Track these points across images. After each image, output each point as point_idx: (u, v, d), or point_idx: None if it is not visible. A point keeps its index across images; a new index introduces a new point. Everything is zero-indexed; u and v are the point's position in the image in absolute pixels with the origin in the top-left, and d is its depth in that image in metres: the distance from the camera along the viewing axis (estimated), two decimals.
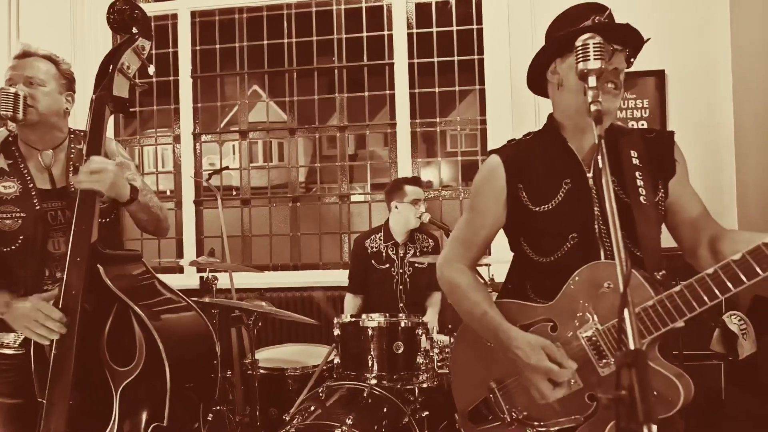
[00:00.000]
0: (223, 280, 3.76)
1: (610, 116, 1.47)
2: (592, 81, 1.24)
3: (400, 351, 2.47)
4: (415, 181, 3.42)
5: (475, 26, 4.20)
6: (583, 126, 1.51)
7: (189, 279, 4.15)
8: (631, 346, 0.86)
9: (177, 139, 4.46)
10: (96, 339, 1.67)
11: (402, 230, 3.35)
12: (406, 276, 3.31)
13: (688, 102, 3.87)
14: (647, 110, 3.92)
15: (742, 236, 1.37)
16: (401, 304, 3.31)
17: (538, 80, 1.61)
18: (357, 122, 4.39)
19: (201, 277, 3.42)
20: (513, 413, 1.51)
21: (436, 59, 4.25)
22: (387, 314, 2.56)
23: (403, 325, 2.52)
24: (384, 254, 3.35)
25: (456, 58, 4.24)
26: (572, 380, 1.39)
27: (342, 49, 4.37)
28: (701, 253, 1.44)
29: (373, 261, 3.34)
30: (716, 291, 1.22)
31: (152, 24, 4.37)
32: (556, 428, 1.45)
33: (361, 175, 4.63)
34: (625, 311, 0.89)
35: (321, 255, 4.37)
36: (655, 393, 1.30)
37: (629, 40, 1.48)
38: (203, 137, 4.49)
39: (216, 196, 3.83)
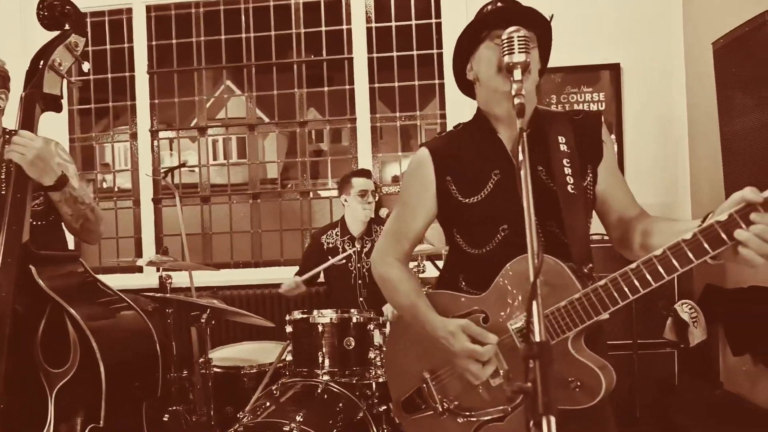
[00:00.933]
0: (183, 279, 3.73)
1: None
2: (517, 74, 1.25)
3: (351, 346, 2.47)
4: (361, 173, 3.40)
5: (434, 20, 4.20)
6: (503, 117, 1.50)
7: (148, 278, 4.09)
8: (537, 339, 0.86)
9: (134, 136, 4.38)
10: (29, 341, 1.64)
11: (356, 224, 3.34)
12: (364, 270, 3.30)
13: (643, 95, 3.94)
14: (603, 103, 3.97)
15: (672, 228, 1.35)
16: (361, 299, 3.31)
17: (464, 81, 1.60)
18: (317, 118, 4.36)
19: (159, 277, 3.37)
20: (445, 403, 1.52)
21: (395, 53, 4.24)
22: (339, 310, 2.55)
23: (354, 320, 2.52)
24: (341, 249, 3.33)
25: (415, 53, 4.23)
26: (501, 369, 1.41)
27: (301, 43, 4.34)
28: (630, 243, 1.45)
29: (329, 256, 3.32)
30: (638, 285, 1.23)
31: (106, 19, 4.29)
32: (486, 418, 1.46)
33: (333, 171, 4.59)
34: (533, 304, 0.89)
35: (282, 252, 4.34)
36: (577, 383, 1.32)
37: (531, 23, 1.42)
38: (161, 134, 4.41)
39: (174, 194, 3.78)
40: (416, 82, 4.25)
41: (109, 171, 4.65)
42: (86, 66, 1.79)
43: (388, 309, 3.06)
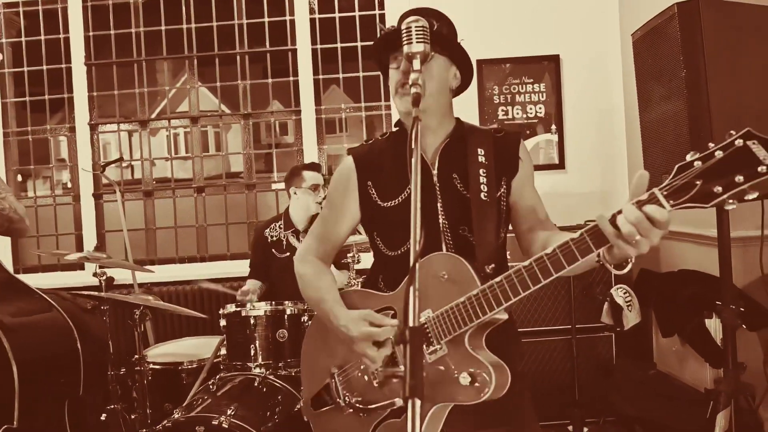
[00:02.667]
0: (128, 276, 3.67)
1: (408, 114, 1.47)
2: (416, 64, 1.27)
3: (284, 338, 2.47)
4: (312, 166, 3.39)
5: (377, 11, 4.20)
6: (426, 125, 1.55)
7: (89, 276, 3.99)
8: (410, 324, 0.88)
9: (73, 129, 4.27)
10: None
11: (302, 217, 3.33)
12: None
13: (581, 86, 4.02)
14: (544, 94, 4.04)
15: (570, 235, 1.42)
16: None
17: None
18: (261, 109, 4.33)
19: (94, 274, 3.29)
20: (347, 398, 1.55)
21: (339, 45, 4.23)
22: (272, 302, 2.54)
23: (289, 312, 2.52)
24: (285, 242, 3.32)
25: (359, 44, 4.23)
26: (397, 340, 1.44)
27: (243, 35, 4.29)
28: (533, 252, 1.50)
29: (273, 250, 3.30)
30: (529, 282, 1.28)
31: (40, 8, 4.15)
32: (386, 411, 1.49)
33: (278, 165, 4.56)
34: (411, 290, 0.91)
35: (229, 246, 4.30)
36: (469, 378, 1.35)
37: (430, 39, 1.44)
38: (101, 127, 4.31)
39: (115, 189, 3.71)
40: (361, 74, 4.25)
41: (48, 166, 4.51)
42: None
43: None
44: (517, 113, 4.03)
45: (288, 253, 3.32)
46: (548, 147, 4.05)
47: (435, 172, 1.57)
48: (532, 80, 4.05)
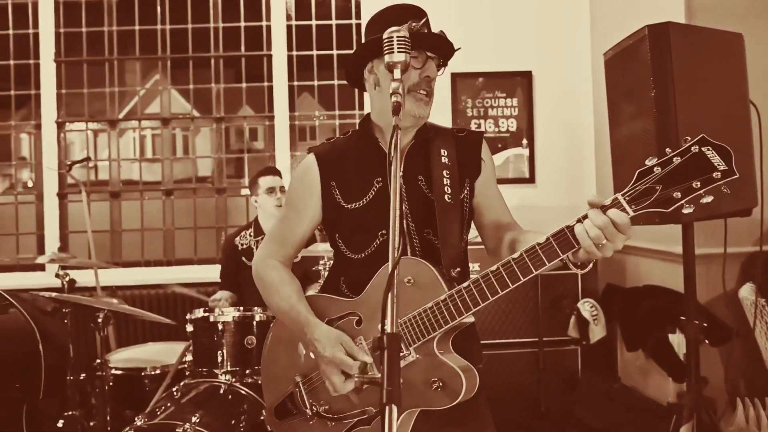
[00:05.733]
0: (90, 278, 3.57)
1: (422, 121, 1.53)
2: (397, 73, 1.27)
3: (252, 345, 2.43)
4: (267, 170, 3.35)
5: (354, 21, 4.22)
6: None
7: (50, 278, 3.88)
8: (388, 330, 0.88)
9: (38, 127, 4.16)
10: None
11: (269, 223, 3.30)
12: None
13: (552, 101, 4.10)
14: (516, 108, 4.10)
15: (537, 236, 1.42)
16: None
17: (356, 75, 1.61)
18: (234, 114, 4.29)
19: (56, 275, 3.20)
20: (314, 407, 1.52)
21: (315, 52, 4.23)
22: (241, 308, 2.51)
23: (258, 318, 2.48)
24: (255, 249, 3.28)
25: (335, 52, 4.23)
26: (370, 372, 1.42)
27: (219, 38, 4.25)
28: (500, 253, 1.51)
29: (243, 258, 3.26)
30: (497, 287, 1.28)
31: (9, 2, 4.05)
32: (352, 420, 1.47)
33: (250, 170, 4.51)
34: (389, 296, 0.90)
35: (196, 251, 4.23)
36: (440, 383, 1.35)
37: (442, 48, 1.50)
38: (68, 126, 4.21)
39: (81, 189, 3.62)
40: (335, 82, 4.25)
41: (12, 164, 4.38)
42: None
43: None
44: (490, 127, 4.08)
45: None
46: (519, 161, 4.10)
47: (401, 174, 1.50)
48: (504, 95, 4.11)
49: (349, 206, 1.55)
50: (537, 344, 3.44)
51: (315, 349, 1.44)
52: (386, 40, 1.28)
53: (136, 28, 4.23)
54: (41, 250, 4.11)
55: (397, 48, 1.26)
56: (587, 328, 3.35)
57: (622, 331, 3.30)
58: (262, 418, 2.46)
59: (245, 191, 4.29)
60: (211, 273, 3.80)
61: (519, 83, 4.08)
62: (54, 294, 2.45)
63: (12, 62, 4.18)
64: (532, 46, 4.07)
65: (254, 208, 3.39)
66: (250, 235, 3.32)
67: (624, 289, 3.48)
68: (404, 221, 1.52)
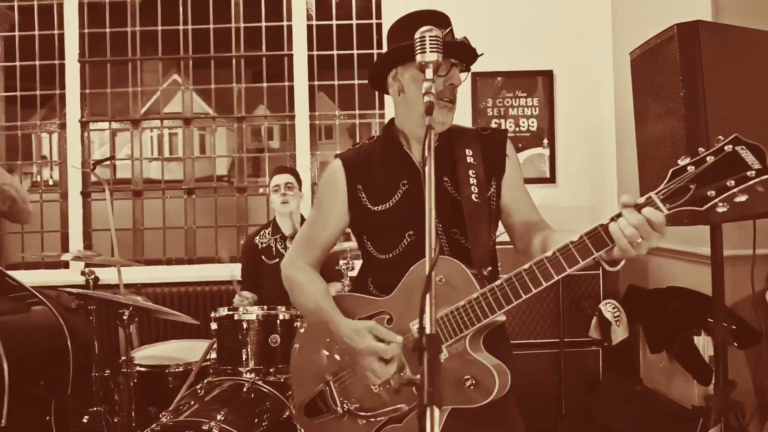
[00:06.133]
0: (113, 276, 3.60)
1: (445, 126, 1.54)
2: (428, 73, 1.27)
3: (277, 344, 2.44)
4: (276, 170, 3.40)
5: (374, 20, 4.22)
6: (417, 134, 1.56)
7: (74, 275, 3.93)
8: (427, 331, 0.88)
9: (63, 126, 4.21)
10: None
11: (283, 222, 3.31)
12: None
13: (574, 102, 4.06)
14: (537, 108, 4.07)
15: (569, 236, 1.42)
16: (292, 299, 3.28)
17: (380, 80, 1.63)
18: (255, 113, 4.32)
19: (82, 272, 3.25)
20: (345, 405, 1.53)
21: (335, 52, 4.23)
22: (264, 306, 2.52)
23: (281, 317, 2.49)
24: (273, 249, 3.30)
25: (355, 52, 4.24)
26: (404, 373, 1.43)
27: (240, 38, 4.27)
28: (530, 253, 1.51)
29: (263, 256, 3.28)
30: (530, 285, 1.29)
31: (36, 3, 4.11)
32: (384, 418, 1.48)
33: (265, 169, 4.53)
34: (427, 297, 0.90)
35: (217, 249, 4.26)
36: (473, 381, 1.35)
37: (466, 55, 1.53)
38: (92, 125, 4.26)
39: (104, 188, 3.66)
40: (356, 81, 4.25)
41: (36, 162, 4.44)
42: None
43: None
44: (510, 126, 4.06)
45: (276, 260, 3.29)
46: (539, 161, 4.08)
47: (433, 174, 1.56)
48: (525, 94, 4.08)
49: (375, 208, 1.58)
50: (558, 345, 3.42)
51: (347, 346, 1.46)
52: (418, 40, 1.28)
53: (159, 28, 4.26)
54: (65, 247, 4.17)
55: (430, 48, 1.26)
56: (609, 330, 3.32)
57: (645, 332, 3.26)
58: (285, 416, 2.48)
59: (263, 190, 4.31)
60: (232, 271, 3.83)
61: (540, 82, 4.06)
62: (82, 291, 2.49)
63: (37, 62, 4.24)
64: (553, 45, 4.04)
65: (273, 208, 3.42)
66: (269, 234, 3.35)
67: (647, 291, 3.44)
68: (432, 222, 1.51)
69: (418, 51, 1.28)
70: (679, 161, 1.15)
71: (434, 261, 0.94)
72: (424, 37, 1.27)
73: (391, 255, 1.56)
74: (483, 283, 1.37)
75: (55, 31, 4.21)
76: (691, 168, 1.12)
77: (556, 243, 1.31)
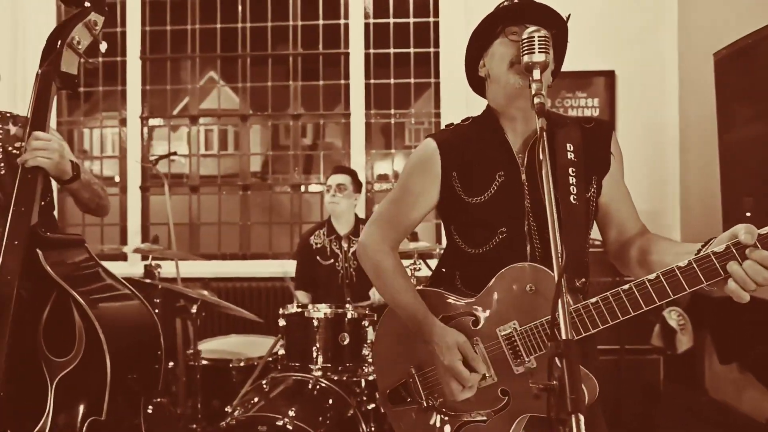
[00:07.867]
0: (169, 269, 3.66)
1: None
2: (536, 74, 1.25)
3: (345, 342, 2.45)
4: (335, 169, 3.41)
5: (432, 19, 4.20)
6: (512, 115, 1.47)
7: (132, 267, 4.02)
8: (563, 337, 0.85)
9: (123, 122, 4.31)
10: (32, 328, 1.57)
11: (338, 222, 3.32)
12: (351, 270, 3.25)
13: (636, 102, 3.97)
14: (597, 109, 3.99)
15: (671, 249, 1.35)
16: (348, 299, 3.27)
17: (476, 79, 1.57)
18: (311, 111, 4.34)
19: (145, 266, 3.31)
20: (430, 400, 1.50)
21: (392, 50, 4.23)
22: (333, 305, 2.52)
23: (349, 316, 2.49)
24: (328, 249, 3.29)
25: (412, 50, 4.22)
26: (488, 375, 1.41)
27: (297, 36, 4.30)
28: (627, 258, 1.44)
29: (318, 257, 3.29)
30: (629, 307, 1.22)
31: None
32: (466, 419, 1.45)
33: (324, 167, 4.56)
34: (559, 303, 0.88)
35: (271, 245, 4.30)
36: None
37: (547, 21, 1.40)
38: (151, 121, 4.35)
39: (163, 182, 3.72)
40: (412, 80, 4.24)
41: (97, 157, 4.56)
42: (103, 46, 1.75)
43: (375, 294, 3.06)
44: None
45: (331, 260, 3.29)
46: None
47: (523, 168, 1.46)
48: (585, 94, 4.01)
49: (470, 200, 1.48)
50: (618, 352, 3.34)
51: (433, 351, 1.43)
52: (526, 41, 1.25)
53: (218, 26, 4.32)
54: (123, 240, 4.26)
55: (538, 48, 1.24)
56: (674, 338, 3.23)
57: (714, 342, 3.16)
58: (349, 414, 2.48)
59: (317, 188, 4.32)
60: (285, 268, 3.86)
61: (601, 82, 3.98)
62: (154, 282, 2.53)
63: (100, 60, 4.33)
64: (616, 46, 3.95)
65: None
66: (324, 234, 3.34)
67: (715, 299, 3.33)
68: (526, 221, 1.45)
69: (526, 51, 1.25)
70: None
71: (562, 270, 0.92)
72: (533, 37, 1.25)
73: (481, 250, 1.47)
74: (575, 296, 1.31)
75: (118, 29, 4.30)
76: None
77: (658, 255, 1.24)
